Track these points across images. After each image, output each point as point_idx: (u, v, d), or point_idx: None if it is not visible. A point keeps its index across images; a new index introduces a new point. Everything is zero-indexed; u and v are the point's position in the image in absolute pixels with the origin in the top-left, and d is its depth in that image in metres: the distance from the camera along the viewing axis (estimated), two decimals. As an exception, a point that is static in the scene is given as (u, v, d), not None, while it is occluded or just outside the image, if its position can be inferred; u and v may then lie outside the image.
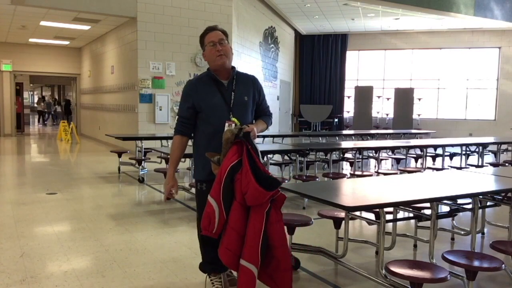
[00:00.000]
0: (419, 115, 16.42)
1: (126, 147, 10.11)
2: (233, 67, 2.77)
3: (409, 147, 7.92)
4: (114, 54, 12.18)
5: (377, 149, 7.31)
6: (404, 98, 16.25)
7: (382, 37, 17.03)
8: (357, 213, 3.45)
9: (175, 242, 4.06)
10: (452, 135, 14.97)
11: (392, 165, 9.32)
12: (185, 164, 7.39)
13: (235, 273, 2.62)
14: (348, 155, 8.31)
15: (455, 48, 16.45)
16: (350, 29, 16.67)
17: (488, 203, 3.85)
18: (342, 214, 3.44)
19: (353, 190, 3.23)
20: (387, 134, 11.18)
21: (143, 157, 7.54)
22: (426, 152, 7.95)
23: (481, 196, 3.63)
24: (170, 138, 7.28)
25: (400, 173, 5.85)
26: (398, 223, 3.91)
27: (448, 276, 2.39)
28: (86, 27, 12.14)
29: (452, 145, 8.12)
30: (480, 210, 4.00)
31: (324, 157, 8.03)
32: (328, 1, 12.63)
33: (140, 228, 4.50)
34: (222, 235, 2.45)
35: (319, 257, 3.55)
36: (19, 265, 3.38)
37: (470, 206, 3.49)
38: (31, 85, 25.66)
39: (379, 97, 17.04)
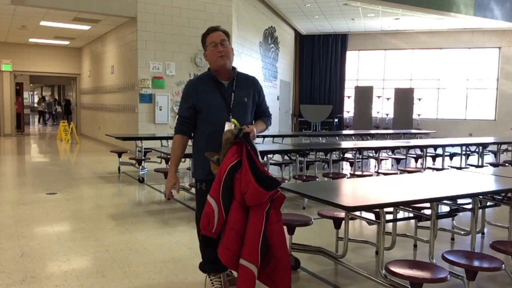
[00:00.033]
0: (419, 115, 16.43)
1: (126, 147, 10.11)
2: (234, 68, 2.78)
3: (409, 147, 7.92)
4: (114, 54, 12.18)
5: (377, 149, 7.31)
6: (404, 98, 16.25)
7: (382, 37, 17.03)
8: (357, 213, 3.45)
9: (175, 242, 4.06)
10: (452, 135, 14.97)
11: (392, 165, 9.32)
12: (185, 164, 7.39)
13: (235, 273, 2.62)
14: (348, 155, 8.31)
15: (455, 48, 16.45)
16: (350, 29, 16.67)
17: (488, 203, 3.85)
18: (342, 214, 3.44)
19: (353, 190, 3.23)
20: (387, 134, 11.18)
21: (143, 157, 7.53)
22: (426, 152, 7.95)
23: (481, 196, 3.63)
24: (170, 138, 7.29)
25: (400, 173, 5.86)
26: (398, 223, 3.91)
27: (448, 276, 2.39)
28: (86, 27, 12.14)
29: (452, 145, 8.12)
30: (480, 210, 4.00)
31: (324, 157, 8.03)
32: (328, 1, 12.63)
33: (140, 228, 4.50)
34: (222, 235, 2.46)
35: (319, 257, 3.55)
36: (19, 265, 3.38)
37: (470, 206, 3.49)
38: (31, 85, 25.66)
39: (379, 97, 17.04)
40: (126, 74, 11.18)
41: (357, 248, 3.85)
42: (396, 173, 6.02)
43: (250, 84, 2.83)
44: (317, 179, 5.73)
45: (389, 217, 3.34)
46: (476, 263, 2.57)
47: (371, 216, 3.47)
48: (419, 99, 16.45)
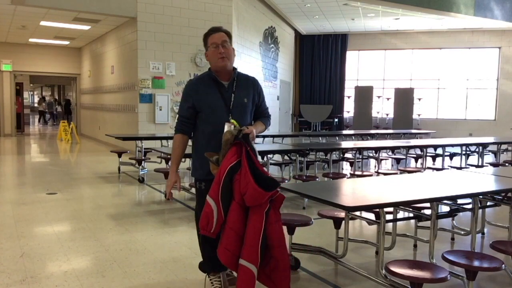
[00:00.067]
0: (419, 115, 16.43)
1: (126, 147, 10.11)
2: (235, 69, 2.79)
3: (409, 147, 7.92)
4: (114, 54, 12.18)
5: (377, 149, 7.31)
6: (404, 98, 16.25)
7: (382, 37, 17.03)
8: (357, 213, 3.45)
9: (175, 242, 4.06)
10: (452, 135, 14.97)
11: (392, 165, 9.32)
12: (185, 164, 7.39)
13: (235, 273, 2.62)
14: (348, 155, 8.31)
15: (455, 48, 16.45)
16: (350, 29, 16.67)
17: (488, 203, 3.85)
18: (342, 214, 3.44)
19: (353, 190, 3.23)
20: (387, 134, 11.18)
21: (143, 157, 7.54)
22: (426, 152, 7.95)
23: (481, 196, 3.63)
24: (170, 138, 7.29)
25: (400, 173, 5.86)
26: (398, 223, 3.91)
27: (448, 276, 2.40)
28: (86, 27, 12.14)
29: (452, 145, 8.12)
30: (480, 210, 4.00)
31: (324, 157, 8.03)
32: (328, 1, 12.63)
33: (140, 228, 4.50)
34: (221, 235, 2.47)
35: (319, 257, 3.55)
36: (19, 265, 3.38)
37: (470, 206, 3.49)
38: (31, 85, 25.66)
39: (379, 97, 17.04)
40: (126, 74, 11.18)
41: (357, 248, 3.85)
42: (396, 173, 6.02)
43: (250, 85, 2.84)
44: (317, 179, 5.73)
45: (389, 217, 3.34)
46: (476, 263, 2.57)
47: (371, 216, 3.47)
48: (419, 99, 16.45)
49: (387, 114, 17.04)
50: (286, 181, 5.69)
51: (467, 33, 16.02)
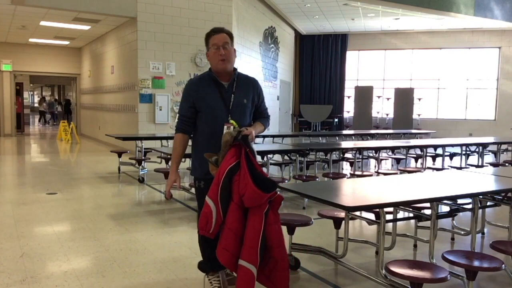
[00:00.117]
0: (419, 115, 16.42)
1: (126, 147, 10.11)
2: (235, 69, 2.80)
3: (409, 147, 7.92)
4: (114, 54, 12.18)
5: (377, 149, 7.31)
6: (404, 98, 16.24)
7: (382, 37, 17.03)
8: (357, 213, 3.45)
9: (175, 242, 4.06)
10: (452, 135, 14.96)
11: (392, 165, 9.32)
12: (185, 164, 7.38)
13: (235, 273, 2.63)
14: (348, 155, 8.30)
15: (455, 48, 16.45)
16: (350, 29, 16.67)
17: (488, 203, 3.85)
18: (342, 214, 3.44)
19: (353, 190, 3.23)
20: (387, 134, 11.18)
21: (143, 157, 7.53)
22: (426, 152, 7.95)
23: (481, 196, 3.63)
24: (170, 138, 7.29)
25: (400, 173, 5.86)
26: (398, 223, 3.91)
27: (448, 276, 2.40)
28: (86, 27, 12.14)
29: (452, 145, 8.12)
30: (480, 210, 4.00)
31: (324, 157, 8.03)
32: (328, 1, 12.63)
33: (140, 228, 4.50)
34: (220, 235, 2.48)
35: (319, 257, 3.55)
36: (19, 265, 3.38)
37: (470, 206, 3.49)
38: (31, 85, 25.65)
39: (379, 97, 17.04)
40: (126, 74, 11.18)
41: (357, 248, 3.85)
42: (396, 173, 6.02)
43: (250, 86, 2.84)
44: (317, 179, 5.73)
45: (389, 217, 3.34)
46: (476, 263, 2.57)
47: (371, 216, 3.47)
48: (419, 99, 16.45)
49: (387, 114, 17.04)
50: (286, 181, 5.69)
51: (467, 33, 16.02)
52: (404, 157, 8.60)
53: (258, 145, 7.37)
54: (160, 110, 10.57)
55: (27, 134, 16.76)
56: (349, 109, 17.72)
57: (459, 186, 3.40)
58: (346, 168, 8.68)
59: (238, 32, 11.58)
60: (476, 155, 8.56)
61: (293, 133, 15.93)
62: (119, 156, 7.95)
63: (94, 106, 14.74)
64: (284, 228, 3.23)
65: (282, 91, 16.11)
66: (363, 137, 10.55)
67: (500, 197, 3.77)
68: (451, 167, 7.40)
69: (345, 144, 7.51)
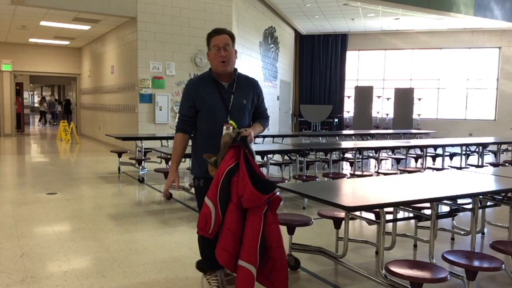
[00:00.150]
0: (419, 115, 16.42)
1: (126, 147, 10.11)
2: (235, 69, 2.80)
3: (409, 147, 7.92)
4: (114, 54, 12.19)
5: (377, 149, 7.31)
6: (404, 98, 16.24)
7: (382, 37, 17.03)
8: (357, 213, 3.45)
9: (175, 242, 4.06)
10: (452, 135, 14.96)
11: (392, 165, 9.32)
12: (185, 164, 7.38)
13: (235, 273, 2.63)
14: (348, 155, 8.31)
15: (455, 48, 16.45)
16: (350, 29, 16.67)
17: (488, 203, 3.85)
18: (342, 214, 3.44)
19: (353, 190, 3.23)
20: (387, 134, 11.18)
21: (143, 157, 7.54)
22: (426, 152, 7.95)
23: (481, 196, 3.63)
24: (170, 138, 7.29)
25: (400, 173, 5.86)
26: (398, 223, 3.91)
27: (448, 276, 2.40)
28: (86, 27, 12.14)
29: (452, 145, 8.12)
30: (480, 210, 4.00)
31: (324, 157, 8.03)
32: (328, 1, 12.63)
33: (140, 228, 4.50)
34: (219, 236, 2.49)
35: (319, 257, 3.55)
36: (19, 265, 3.38)
37: (470, 206, 3.49)
38: (31, 85, 25.66)
39: (379, 97, 17.04)
40: (126, 74, 11.18)
41: (357, 248, 3.85)
42: (396, 173, 6.02)
43: (250, 86, 2.85)
44: (317, 179, 5.73)
45: (389, 217, 3.34)
46: (476, 263, 2.57)
47: (371, 216, 3.47)
48: (419, 99, 16.45)
49: (387, 114, 17.04)
50: (286, 181, 5.69)
51: (467, 33, 16.02)
52: (404, 157, 8.60)
53: (258, 145, 7.37)
54: (160, 110, 10.58)
55: (27, 134, 16.76)
56: (349, 109, 17.72)
57: (459, 186, 3.40)
58: (346, 168, 8.68)
59: (238, 32, 11.58)
60: (476, 155, 8.56)
61: (293, 133, 15.93)
62: (119, 156, 7.95)
63: (94, 106, 14.74)
64: (284, 228, 3.24)
65: (282, 91, 16.11)
66: (363, 137, 10.55)
67: (500, 197, 3.77)
68: (451, 167, 7.40)
69: (345, 144, 7.51)
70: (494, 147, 8.98)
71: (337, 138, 11.60)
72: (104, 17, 10.77)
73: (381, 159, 7.67)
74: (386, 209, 2.90)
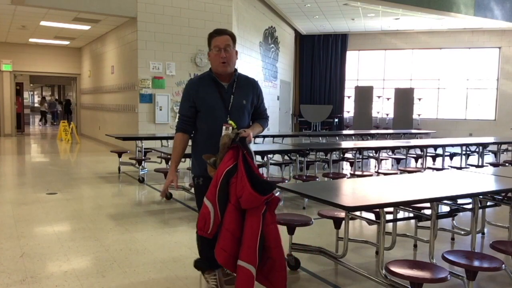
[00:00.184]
0: (419, 115, 16.42)
1: (126, 147, 10.11)
2: (236, 70, 2.81)
3: (409, 147, 7.92)
4: (114, 54, 12.19)
5: (377, 149, 7.31)
6: (404, 98, 16.24)
7: (382, 37, 17.03)
8: (357, 213, 3.45)
9: (175, 242, 4.06)
10: (452, 135, 14.96)
11: (392, 165, 9.32)
12: (185, 164, 7.39)
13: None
14: (348, 155, 8.31)
15: (455, 48, 16.45)
16: (350, 29, 16.67)
17: (488, 203, 3.85)
18: (342, 214, 3.44)
19: (353, 190, 3.23)
20: (387, 134, 11.18)
21: (143, 157, 7.54)
22: (426, 152, 7.95)
23: (481, 196, 3.63)
24: (170, 138, 7.29)
25: (400, 173, 5.85)
26: (398, 223, 3.91)
27: (448, 276, 2.40)
28: (86, 27, 12.14)
29: (452, 145, 8.12)
30: (480, 210, 4.00)
31: (324, 157, 8.03)
32: (328, 1, 12.63)
33: (140, 228, 4.50)
34: (218, 236, 2.51)
35: (319, 257, 3.55)
36: (19, 265, 3.38)
37: (470, 206, 3.49)
38: (31, 85, 25.66)
39: (379, 97, 17.04)
40: (126, 74, 11.18)
41: (357, 248, 3.85)
42: (396, 173, 6.02)
43: (249, 87, 2.86)
44: (317, 179, 5.73)
45: (389, 217, 3.34)
46: (476, 263, 2.57)
47: (371, 216, 3.47)
48: (419, 99, 16.45)
49: (387, 114, 17.04)
50: (286, 181, 5.69)
51: (467, 33, 16.02)
52: (404, 157, 8.60)
53: (258, 145, 7.37)
54: (160, 110, 10.58)
55: (27, 134, 16.76)
56: (349, 109, 17.72)
57: (459, 186, 3.40)
58: (346, 168, 8.68)
59: (238, 32, 11.58)
60: (476, 155, 8.56)
61: (293, 133, 15.93)
62: (119, 156, 7.95)
63: (94, 106, 14.75)
64: (284, 228, 3.25)
65: (282, 91, 16.11)
66: (363, 137, 10.55)
67: (500, 197, 3.77)
68: (451, 167, 7.40)
69: (345, 144, 7.51)
70: (494, 147, 8.98)
71: (337, 138, 11.60)
72: (104, 17, 10.77)
73: (381, 159, 7.67)
74: (386, 209, 2.90)
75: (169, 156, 6.01)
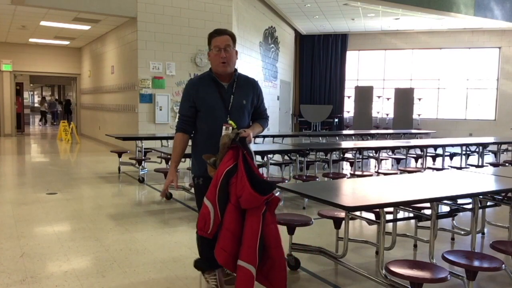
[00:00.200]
0: (419, 115, 16.42)
1: (126, 147, 10.11)
2: (235, 70, 2.81)
3: (409, 147, 7.92)
4: (114, 54, 12.19)
5: (377, 149, 7.31)
6: (404, 98, 16.25)
7: (382, 37, 17.03)
8: (357, 213, 3.45)
9: (175, 242, 4.06)
10: (452, 135, 14.96)
11: (392, 165, 9.32)
12: (185, 164, 7.39)
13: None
14: (348, 155, 8.31)
15: (455, 48, 16.45)
16: (350, 29, 16.67)
17: (488, 203, 3.85)
18: (342, 214, 3.44)
19: (353, 190, 3.23)
20: (387, 134, 11.18)
21: (143, 157, 7.54)
22: (426, 152, 7.95)
23: (481, 196, 3.63)
24: (170, 138, 7.29)
25: (400, 173, 5.85)
26: (398, 223, 3.91)
27: (448, 276, 2.40)
28: (86, 27, 12.14)
29: (452, 145, 8.12)
30: (480, 210, 4.00)
31: (324, 157, 8.03)
32: (328, 1, 12.63)
33: (140, 228, 4.50)
34: (218, 236, 2.51)
35: (319, 257, 3.55)
36: (19, 265, 3.38)
37: (470, 206, 3.49)
38: (31, 85, 25.66)
39: (379, 97, 17.04)
40: (126, 74, 11.18)
41: (357, 248, 3.85)
42: (396, 173, 6.02)
43: (249, 87, 2.86)
44: (317, 179, 5.73)
45: (389, 217, 3.34)
46: (476, 263, 2.57)
47: (371, 216, 3.47)
48: (419, 99, 16.45)
49: (387, 114, 17.04)
50: (286, 181, 5.69)
51: (467, 33, 16.02)
52: (404, 157, 8.60)
53: (258, 145, 7.37)
54: (160, 110, 10.58)
55: (27, 134, 16.76)
56: (349, 109, 17.72)
57: (459, 186, 3.40)
58: (346, 168, 8.68)
59: (238, 32, 11.58)
60: (476, 155, 8.56)
61: (293, 133, 15.93)
62: (119, 156, 7.95)
63: (94, 106, 14.74)
64: (284, 228, 3.25)
65: (282, 91, 16.11)
66: (363, 137, 10.55)
67: (500, 197, 3.77)
68: (451, 167, 7.40)
69: (345, 144, 7.51)
70: (494, 147, 8.98)
71: (337, 138, 11.60)
72: (104, 17, 10.77)
73: (381, 159, 7.67)
74: (386, 209, 2.90)
75: (169, 156, 6.01)
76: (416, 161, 8.28)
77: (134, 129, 10.56)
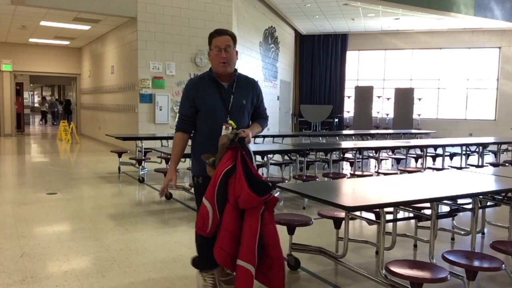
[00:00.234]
0: (419, 115, 16.43)
1: (126, 147, 10.11)
2: (235, 70, 2.82)
3: (409, 147, 7.92)
4: (114, 54, 12.19)
5: (377, 149, 7.31)
6: (404, 98, 16.25)
7: (382, 37, 17.03)
8: (357, 213, 3.45)
9: (175, 242, 4.06)
10: (452, 135, 14.96)
11: (392, 165, 9.32)
12: (185, 164, 7.39)
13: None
14: (348, 155, 8.31)
15: (455, 48, 16.45)
16: (350, 29, 16.67)
17: (488, 203, 3.85)
18: (342, 214, 3.44)
19: (353, 190, 3.23)
20: (387, 134, 11.18)
21: (143, 157, 7.54)
22: (426, 152, 7.95)
23: (481, 196, 3.63)
24: (170, 138, 7.30)
25: (400, 173, 5.85)
26: (398, 223, 3.91)
27: (448, 276, 2.40)
28: (86, 27, 12.14)
29: (452, 145, 8.12)
30: (480, 210, 4.00)
31: (324, 157, 8.03)
32: (328, 1, 12.63)
33: (140, 228, 4.50)
34: (217, 235, 2.52)
35: (319, 257, 3.55)
36: (19, 265, 3.38)
37: (470, 206, 3.49)
38: (31, 85, 25.66)
39: (379, 97, 17.04)
40: (126, 74, 11.18)
41: (357, 248, 3.85)
42: (396, 173, 6.02)
43: (249, 87, 2.87)
44: (317, 179, 5.73)
45: (389, 217, 3.34)
46: (476, 263, 2.57)
47: (371, 216, 3.47)
48: (419, 99, 16.45)
49: (387, 114, 17.04)
50: (286, 181, 5.69)
51: (467, 33, 16.02)
52: (404, 157, 8.60)
53: (258, 145, 7.37)
54: (160, 110, 10.58)
55: (27, 134, 16.76)
56: (349, 109, 17.72)
57: (459, 186, 3.40)
58: (346, 168, 8.68)
59: (238, 32, 11.57)
60: (476, 155, 8.56)
61: (293, 133, 15.93)
62: (119, 156, 7.95)
63: (94, 106, 14.75)
64: (284, 228, 3.25)
65: (282, 91, 16.11)
66: (363, 137, 10.55)
67: (500, 197, 3.76)
68: (451, 167, 7.40)
69: (345, 144, 7.52)
70: (494, 147, 8.98)
71: (337, 138, 11.60)
72: (104, 17, 10.77)
73: (381, 159, 7.67)
74: (386, 209, 2.90)
75: (169, 156, 6.00)
76: (416, 161, 8.28)
77: (134, 129, 10.56)
